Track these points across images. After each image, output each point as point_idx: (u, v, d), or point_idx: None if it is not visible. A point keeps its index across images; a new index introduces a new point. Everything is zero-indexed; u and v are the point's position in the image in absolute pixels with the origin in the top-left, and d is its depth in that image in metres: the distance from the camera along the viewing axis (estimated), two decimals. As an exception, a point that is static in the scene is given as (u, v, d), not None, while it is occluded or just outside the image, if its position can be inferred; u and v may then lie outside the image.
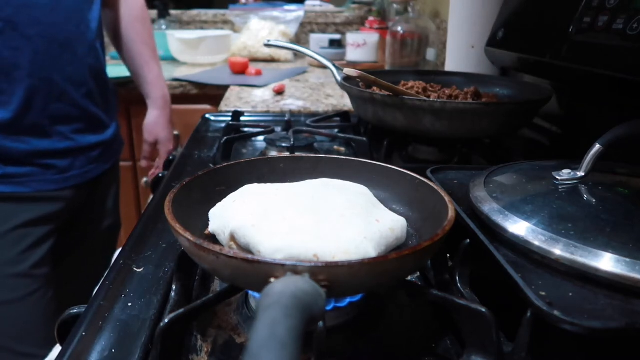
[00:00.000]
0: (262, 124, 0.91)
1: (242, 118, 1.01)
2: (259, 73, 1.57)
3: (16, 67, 0.82)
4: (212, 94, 1.49)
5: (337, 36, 1.89)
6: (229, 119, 0.97)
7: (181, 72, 1.62)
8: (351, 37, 1.66)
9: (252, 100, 1.20)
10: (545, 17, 0.72)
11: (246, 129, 0.89)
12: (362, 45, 1.64)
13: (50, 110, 0.87)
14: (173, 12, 2.18)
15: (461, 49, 1.00)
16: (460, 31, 1.00)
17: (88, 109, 0.94)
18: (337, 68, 0.79)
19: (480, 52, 0.93)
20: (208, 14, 2.23)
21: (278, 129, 0.87)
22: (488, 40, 0.88)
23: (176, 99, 1.42)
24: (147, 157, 1.20)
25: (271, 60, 1.93)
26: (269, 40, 0.85)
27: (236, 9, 2.17)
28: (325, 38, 1.87)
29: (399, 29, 1.40)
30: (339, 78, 0.78)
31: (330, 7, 2.32)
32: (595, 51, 0.58)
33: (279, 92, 1.30)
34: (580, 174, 0.44)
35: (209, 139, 0.90)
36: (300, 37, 2.20)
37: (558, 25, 0.66)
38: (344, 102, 1.18)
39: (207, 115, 1.03)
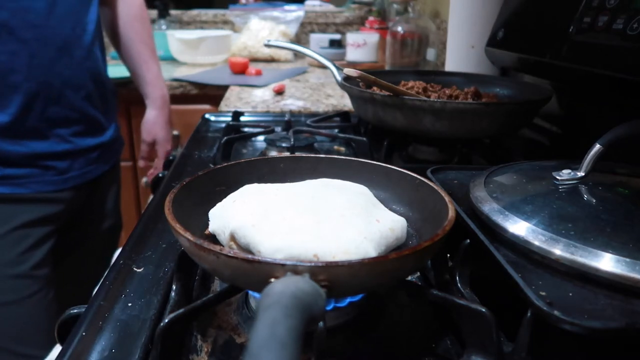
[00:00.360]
0: (262, 124, 0.91)
1: (242, 118, 1.01)
2: (259, 73, 1.57)
3: (13, 71, 0.81)
4: (212, 94, 1.49)
5: (337, 36, 1.89)
6: (229, 119, 0.97)
7: (181, 72, 1.62)
8: (351, 37, 1.66)
9: (252, 100, 1.20)
10: (545, 17, 0.72)
11: (246, 129, 0.89)
12: (362, 45, 1.64)
13: (48, 113, 0.87)
14: (173, 12, 2.18)
15: (461, 49, 1.00)
16: (460, 31, 1.00)
17: (87, 112, 0.94)
18: (337, 68, 0.79)
19: (480, 52, 0.93)
20: (208, 14, 2.23)
21: (278, 129, 0.87)
22: (488, 40, 0.88)
23: (176, 99, 1.42)
24: (145, 157, 1.20)
25: (271, 60, 1.93)
26: (269, 40, 0.85)
27: (236, 9, 2.17)
28: (325, 38, 1.87)
29: (399, 29, 1.40)
30: (339, 78, 0.78)
31: (330, 7, 2.32)
32: (595, 51, 0.57)
33: (279, 92, 1.30)
34: (580, 174, 0.44)
35: (209, 139, 0.90)
36: (300, 37, 2.20)
37: (558, 25, 0.66)
38: (344, 102, 1.18)
39: (207, 115, 1.03)
